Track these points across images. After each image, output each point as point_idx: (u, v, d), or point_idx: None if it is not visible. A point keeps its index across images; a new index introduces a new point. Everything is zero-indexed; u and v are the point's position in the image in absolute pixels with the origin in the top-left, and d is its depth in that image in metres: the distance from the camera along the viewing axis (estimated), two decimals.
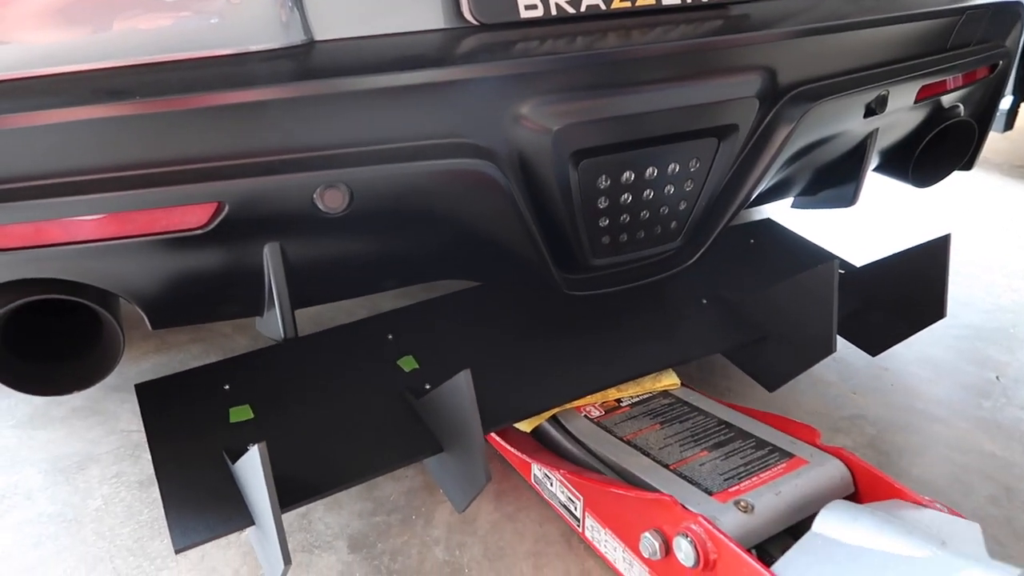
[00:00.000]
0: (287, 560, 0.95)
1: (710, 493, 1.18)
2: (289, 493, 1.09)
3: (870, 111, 1.37)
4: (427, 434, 1.22)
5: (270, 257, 1.02)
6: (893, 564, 0.97)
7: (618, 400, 1.50)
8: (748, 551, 1.03)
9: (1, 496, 1.48)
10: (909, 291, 1.58)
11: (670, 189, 1.23)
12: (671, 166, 1.21)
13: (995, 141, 3.63)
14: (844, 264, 1.77)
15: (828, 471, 1.22)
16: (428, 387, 1.29)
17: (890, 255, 1.63)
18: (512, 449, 1.42)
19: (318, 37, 1.01)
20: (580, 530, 1.31)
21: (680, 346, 1.50)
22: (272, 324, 1.07)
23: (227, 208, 0.94)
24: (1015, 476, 1.50)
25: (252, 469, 1.00)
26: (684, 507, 1.11)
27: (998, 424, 1.66)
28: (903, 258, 1.59)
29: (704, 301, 1.60)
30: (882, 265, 1.64)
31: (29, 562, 1.33)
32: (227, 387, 1.31)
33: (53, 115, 0.85)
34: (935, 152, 1.66)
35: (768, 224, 1.93)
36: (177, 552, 1.03)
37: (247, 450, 1.01)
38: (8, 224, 0.88)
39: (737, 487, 1.19)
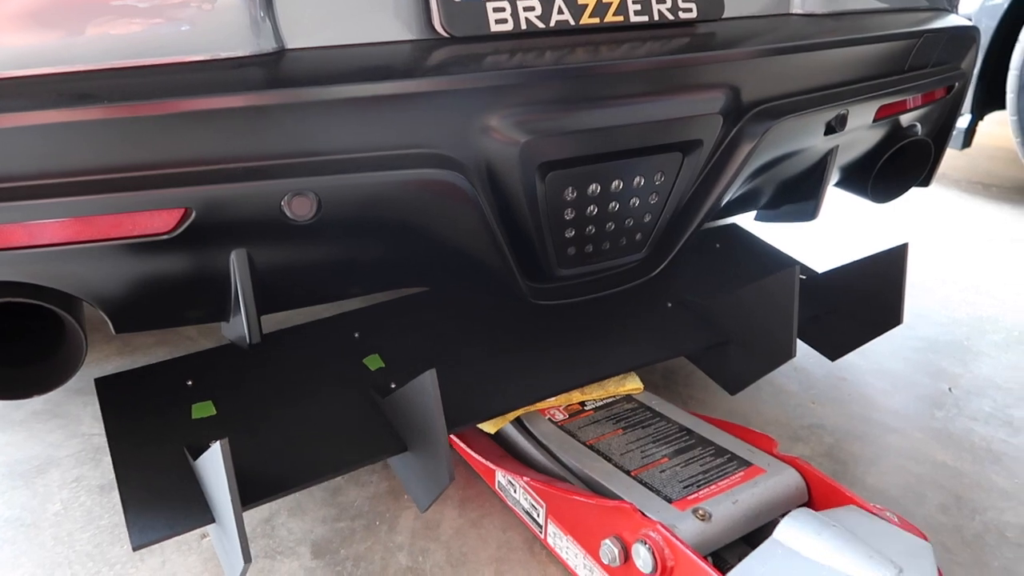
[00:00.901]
0: (247, 558, 0.95)
1: (669, 501, 1.20)
2: (251, 490, 1.09)
3: (830, 129, 1.40)
4: (392, 433, 1.22)
5: (237, 263, 1.02)
6: None
7: (582, 404, 1.52)
8: (704, 558, 1.06)
9: None
10: (868, 297, 1.62)
11: (635, 202, 1.26)
12: (636, 179, 1.23)
13: (954, 158, 3.73)
14: (806, 270, 1.81)
15: (784, 480, 1.25)
16: (394, 386, 1.29)
17: (850, 262, 1.68)
18: (477, 456, 1.44)
19: (289, 45, 1.02)
20: (543, 537, 1.33)
21: (644, 349, 1.53)
22: (238, 329, 1.07)
23: (194, 214, 0.95)
24: (965, 485, 1.55)
25: (213, 465, 0.99)
26: (643, 514, 1.14)
27: (950, 434, 1.71)
28: (862, 265, 1.63)
29: (669, 305, 1.63)
30: (842, 272, 1.69)
31: None
32: (189, 383, 1.30)
33: (19, 118, 0.85)
34: (893, 169, 1.71)
35: (733, 229, 1.97)
36: (135, 549, 1.02)
37: (209, 447, 1.01)
38: None
39: (696, 495, 1.21)
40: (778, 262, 1.84)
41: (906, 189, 1.76)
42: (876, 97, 1.43)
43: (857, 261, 1.65)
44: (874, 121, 1.50)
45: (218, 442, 0.95)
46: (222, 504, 0.99)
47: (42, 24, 0.91)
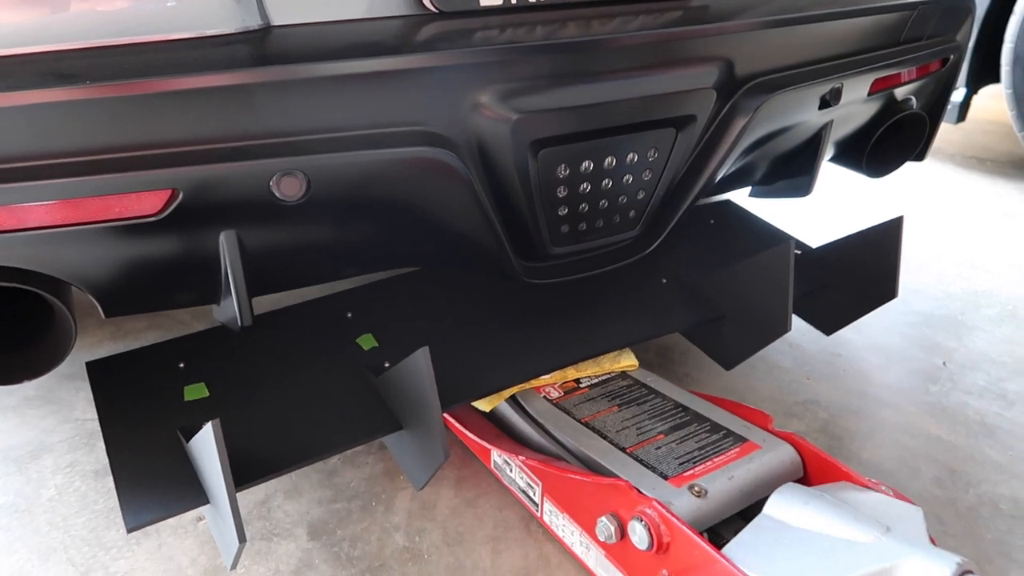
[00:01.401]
0: (242, 538, 0.95)
1: (665, 477, 1.20)
2: (245, 471, 1.09)
3: (825, 103, 1.39)
4: (386, 412, 1.22)
5: (226, 245, 1.01)
6: (838, 548, 1.00)
7: (577, 381, 1.51)
8: (700, 534, 1.06)
9: None
10: (863, 271, 1.62)
11: (628, 178, 1.24)
12: (630, 156, 1.22)
13: (948, 132, 3.72)
14: (800, 245, 1.81)
15: (779, 456, 1.25)
16: (387, 365, 1.29)
17: (844, 236, 1.67)
18: (472, 435, 1.43)
19: (275, 22, 1.00)
20: (539, 515, 1.33)
21: (639, 325, 1.52)
22: (229, 312, 1.06)
23: (181, 195, 0.93)
24: (959, 459, 1.56)
25: (206, 446, 0.99)
26: (639, 491, 1.14)
27: (944, 408, 1.71)
28: (857, 239, 1.63)
29: (664, 281, 1.62)
30: (837, 246, 1.68)
31: None
32: (182, 365, 1.29)
33: (1, 99, 0.83)
34: (888, 143, 1.70)
35: (727, 205, 1.96)
36: (129, 531, 1.02)
37: (201, 429, 1.01)
38: None
39: (691, 471, 1.21)
40: (773, 237, 1.83)
41: (901, 164, 1.75)
42: (871, 70, 1.42)
43: (852, 235, 1.65)
44: (869, 95, 1.49)
45: (210, 423, 0.95)
46: (215, 485, 0.99)
47: (24, 2, 0.89)
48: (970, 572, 0.93)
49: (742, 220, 1.92)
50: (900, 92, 1.59)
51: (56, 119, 0.87)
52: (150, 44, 0.92)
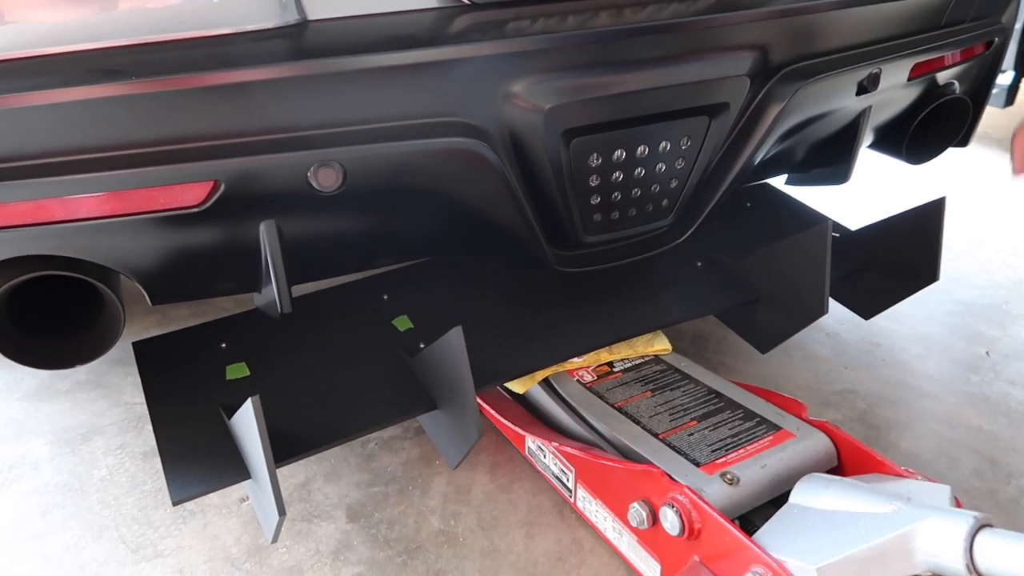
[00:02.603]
0: (281, 511, 0.98)
1: (697, 464, 1.21)
2: (285, 448, 1.12)
3: (862, 89, 1.37)
4: (421, 391, 1.24)
5: (266, 234, 1.04)
6: (861, 520, 1.01)
7: (610, 364, 1.52)
8: (732, 521, 1.06)
9: (9, 466, 1.52)
10: (903, 254, 1.59)
11: (661, 167, 1.25)
12: (662, 144, 1.22)
13: (995, 116, 3.61)
14: (838, 227, 1.78)
15: (813, 445, 1.25)
16: (422, 346, 1.31)
17: (885, 218, 1.64)
18: (507, 422, 1.46)
19: (311, 16, 1.02)
20: (572, 501, 1.35)
21: (674, 307, 1.52)
22: (269, 299, 1.09)
23: (223, 187, 0.96)
24: (1000, 449, 1.53)
25: (247, 422, 1.02)
26: (671, 478, 1.15)
27: (986, 398, 1.69)
28: (897, 221, 1.60)
29: (699, 263, 1.62)
30: (876, 228, 1.66)
31: (37, 530, 1.37)
32: (223, 345, 1.33)
33: (52, 95, 0.87)
34: (929, 129, 1.66)
35: (764, 188, 1.94)
36: (175, 504, 1.06)
37: (237, 412, 1.04)
38: (11, 202, 0.90)
39: (724, 459, 1.22)
40: (810, 220, 1.80)
41: (943, 150, 1.71)
42: (910, 55, 1.39)
43: (892, 217, 1.61)
44: (909, 80, 1.46)
45: (250, 399, 0.98)
46: (256, 459, 1.02)
47: (73, 3, 0.92)
48: (989, 525, 0.93)
49: (778, 202, 1.90)
50: (942, 76, 1.55)
51: (104, 114, 0.90)
52: (193, 40, 0.95)
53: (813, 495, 1.08)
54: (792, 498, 1.10)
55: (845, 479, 1.09)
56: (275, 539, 1.03)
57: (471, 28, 1.06)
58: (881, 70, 1.36)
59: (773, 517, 1.08)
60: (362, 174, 1.02)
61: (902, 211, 1.60)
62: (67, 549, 1.33)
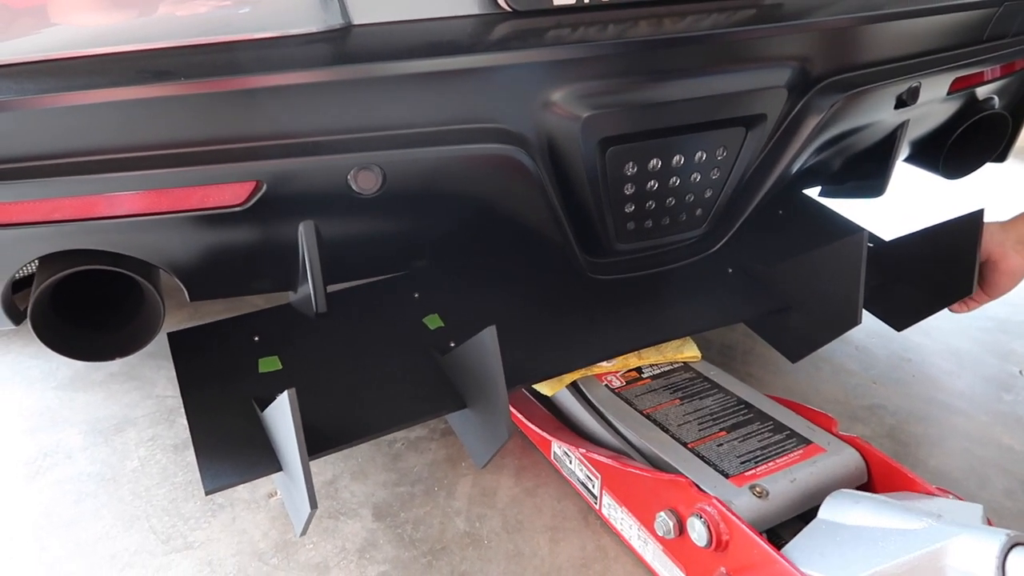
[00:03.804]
0: (313, 504, 0.98)
1: (726, 476, 1.20)
2: (316, 442, 1.13)
3: (901, 102, 1.36)
4: (451, 390, 1.25)
5: (304, 235, 1.05)
6: (891, 537, 1.00)
7: (639, 370, 1.52)
8: (760, 534, 1.06)
9: (44, 454, 1.55)
10: (938, 266, 1.56)
11: (696, 177, 1.25)
12: (698, 154, 1.22)
13: None
14: (872, 238, 1.76)
15: (843, 460, 1.24)
16: (453, 345, 1.32)
17: (920, 229, 1.62)
18: (533, 427, 1.46)
19: (355, 21, 1.03)
20: (597, 507, 1.35)
21: (704, 313, 1.52)
22: (305, 299, 1.10)
23: (264, 187, 0.98)
24: None
25: (281, 414, 1.03)
26: (699, 488, 1.14)
27: (1018, 418, 1.66)
28: (933, 232, 1.57)
29: (729, 270, 1.61)
30: (911, 239, 1.63)
31: (70, 517, 1.40)
32: (256, 339, 1.34)
33: (103, 94, 0.89)
34: (967, 144, 1.65)
35: (795, 195, 1.92)
36: (208, 493, 1.07)
37: (276, 398, 1.05)
38: (60, 197, 0.92)
39: (753, 471, 1.21)
40: (844, 229, 1.79)
41: (980, 165, 1.70)
42: (951, 69, 1.38)
43: (928, 228, 1.59)
44: (948, 94, 1.45)
45: (286, 392, 0.98)
46: (289, 452, 1.03)
47: (120, 4, 0.94)
48: (1020, 544, 0.92)
49: (811, 210, 1.88)
50: (982, 91, 1.54)
51: (150, 113, 0.92)
52: (240, 43, 0.97)
53: (842, 511, 1.07)
54: (821, 513, 1.10)
55: (875, 495, 1.08)
56: (304, 532, 1.04)
57: (512, 35, 1.06)
58: (921, 84, 1.35)
59: (802, 532, 1.08)
60: (401, 178, 1.03)
61: (938, 222, 1.57)
62: (99, 538, 1.35)
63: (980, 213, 1.48)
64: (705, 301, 1.54)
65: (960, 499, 1.11)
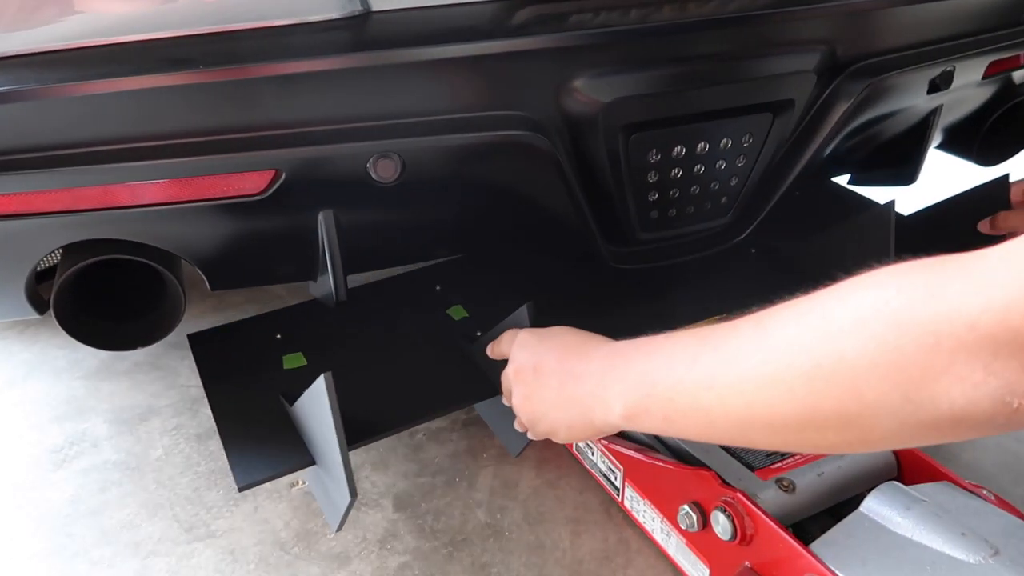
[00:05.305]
0: (353, 493, 0.97)
1: (752, 469, 1.18)
2: (352, 432, 1.11)
3: (934, 87, 1.32)
4: (482, 378, 1.23)
5: (324, 224, 1.04)
6: (940, 563, 0.95)
7: None
8: (786, 528, 1.04)
9: (70, 443, 1.57)
10: (965, 236, 1.52)
11: (722, 164, 1.22)
12: (723, 141, 1.20)
13: None
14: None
15: (872, 454, 1.21)
16: (479, 334, 1.30)
17: (943, 200, 1.57)
18: None
19: (374, 7, 1.02)
20: (619, 500, 1.33)
21: (728, 296, 1.48)
22: (325, 288, 1.10)
23: (284, 175, 0.97)
24: None
25: (317, 400, 1.02)
26: (723, 481, 1.12)
27: None
28: (958, 201, 1.53)
29: (753, 251, 1.58)
30: (935, 210, 1.59)
31: (96, 505, 1.41)
32: (279, 336, 1.34)
33: (123, 83, 0.89)
34: (1003, 129, 1.60)
35: (823, 183, 1.88)
36: (240, 490, 1.07)
37: (306, 389, 1.04)
38: (83, 187, 0.92)
39: (779, 464, 1.19)
40: (864, 206, 1.74)
41: (1016, 151, 1.65)
42: (987, 52, 1.34)
43: (952, 197, 1.54)
44: (983, 78, 1.40)
45: (322, 376, 0.96)
46: (326, 440, 1.01)
47: None
48: None
49: (830, 190, 1.84)
50: (1019, 75, 1.49)
51: (170, 102, 0.92)
52: (260, 30, 0.96)
53: (890, 512, 1.02)
54: (864, 507, 1.05)
55: (929, 504, 1.02)
56: (341, 526, 1.03)
57: (533, 21, 1.05)
58: (955, 68, 1.31)
59: (838, 526, 1.04)
60: (420, 166, 1.02)
61: (962, 191, 1.52)
62: (124, 526, 1.37)
63: (1005, 178, 1.44)
64: (729, 283, 1.49)
65: (998, 498, 1.08)
